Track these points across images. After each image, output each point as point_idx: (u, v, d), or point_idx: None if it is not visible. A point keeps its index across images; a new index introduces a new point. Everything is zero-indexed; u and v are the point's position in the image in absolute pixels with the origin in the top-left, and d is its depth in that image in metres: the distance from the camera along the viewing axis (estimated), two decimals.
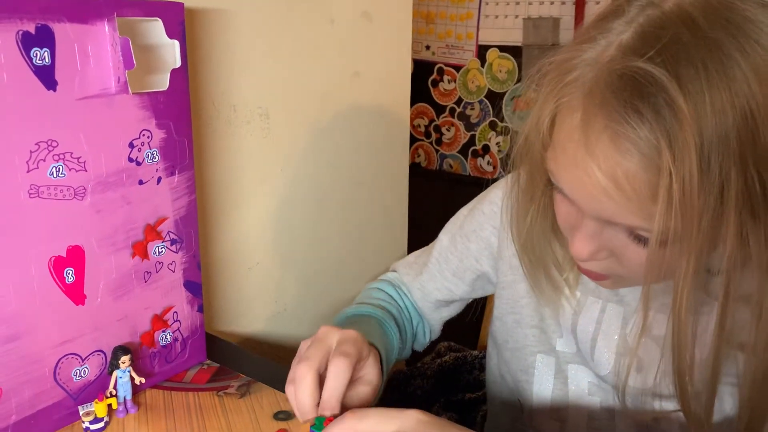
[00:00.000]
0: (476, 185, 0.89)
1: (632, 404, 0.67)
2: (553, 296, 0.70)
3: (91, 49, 0.62)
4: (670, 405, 0.64)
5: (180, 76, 0.69)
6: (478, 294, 0.85)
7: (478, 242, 0.80)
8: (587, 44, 0.51)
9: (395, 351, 0.80)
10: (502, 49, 2.20)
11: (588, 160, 0.50)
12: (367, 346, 0.65)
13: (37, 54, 0.58)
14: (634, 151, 0.47)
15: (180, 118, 0.71)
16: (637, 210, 0.50)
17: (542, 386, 0.75)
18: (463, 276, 0.82)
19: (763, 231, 0.50)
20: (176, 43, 0.68)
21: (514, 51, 2.17)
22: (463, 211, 0.84)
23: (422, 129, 2.46)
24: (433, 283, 0.85)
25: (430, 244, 0.88)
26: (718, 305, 0.52)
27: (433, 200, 1.92)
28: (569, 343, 0.72)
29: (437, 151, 2.45)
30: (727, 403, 0.62)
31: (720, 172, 0.46)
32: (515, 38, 2.16)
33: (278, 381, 0.76)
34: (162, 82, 0.68)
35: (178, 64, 0.68)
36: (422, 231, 1.38)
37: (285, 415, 0.70)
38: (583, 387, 0.72)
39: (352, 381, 0.62)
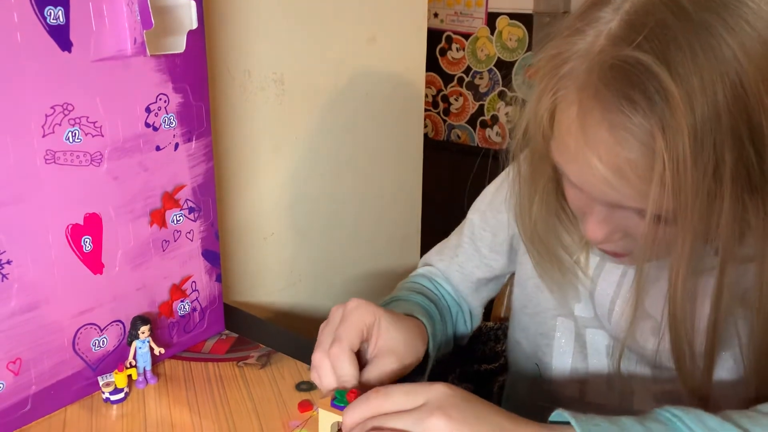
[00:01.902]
0: (484, 156, 0.87)
1: (650, 366, 0.68)
2: (563, 282, 0.71)
3: (106, 9, 0.59)
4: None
5: (197, 38, 0.67)
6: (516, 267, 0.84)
7: (509, 212, 0.79)
8: (577, 36, 0.52)
9: (439, 326, 0.77)
10: (512, 16, 2.16)
11: (588, 152, 0.51)
12: (372, 312, 0.63)
13: (51, 13, 0.56)
14: (631, 140, 0.48)
15: (197, 82, 0.68)
16: (641, 195, 0.50)
17: (562, 349, 0.75)
18: (500, 249, 0.81)
19: (761, 203, 0.51)
20: (192, 3, 0.65)
21: (525, 19, 2.13)
22: (490, 188, 0.84)
23: (430, 99, 2.43)
24: (471, 262, 0.83)
25: (457, 228, 0.86)
26: (716, 275, 0.54)
27: (441, 171, 1.90)
28: (587, 307, 0.72)
29: (445, 121, 2.42)
30: (727, 372, 0.63)
31: (714, 152, 0.47)
32: (526, 5, 2.11)
33: (299, 351, 0.75)
34: (179, 44, 0.65)
35: (195, 25, 0.66)
36: (430, 202, 1.37)
37: (307, 386, 0.69)
38: (601, 350, 0.72)
39: (373, 355, 0.63)
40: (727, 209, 0.49)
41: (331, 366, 0.60)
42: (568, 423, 0.50)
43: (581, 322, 0.73)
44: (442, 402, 0.51)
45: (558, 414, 0.52)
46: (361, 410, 0.53)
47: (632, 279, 0.67)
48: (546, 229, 0.67)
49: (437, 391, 0.52)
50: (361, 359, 0.64)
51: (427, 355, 0.71)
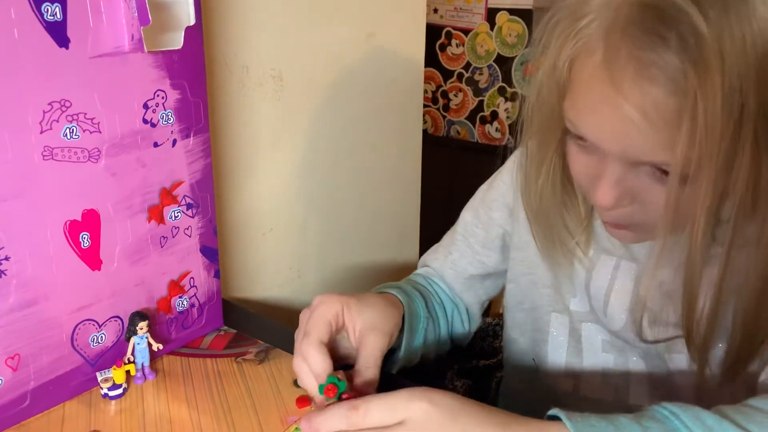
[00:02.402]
0: (484, 152, 0.87)
1: (645, 360, 0.68)
2: (564, 261, 0.70)
3: (104, 5, 0.59)
4: (683, 359, 0.65)
5: (194, 34, 0.67)
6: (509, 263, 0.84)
7: (501, 210, 0.79)
8: None
9: (421, 317, 0.77)
10: (512, 12, 2.16)
11: (614, 95, 0.49)
12: (337, 301, 0.64)
13: (48, 9, 0.56)
14: (661, 77, 0.47)
15: (194, 78, 0.68)
16: (664, 142, 0.50)
17: (557, 344, 0.75)
18: (492, 245, 0.81)
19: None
20: None
21: (525, 14, 2.13)
22: (483, 187, 0.83)
23: (429, 95, 2.43)
24: (464, 259, 0.83)
25: (452, 228, 0.86)
26: (722, 252, 0.54)
27: (440, 167, 1.89)
28: (582, 302, 0.72)
29: (444, 117, 2.42)
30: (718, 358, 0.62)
31: (740, 97, 0.47)
32: (525, 1, 2.11)
33: None
34: (176, 41, 0.65)
35: (192, 21, 0.66)
36: (429, 197, 1.37)
37: None
38: (596, 345, 0.72)
39: (357, 338, 0.64)
40: (747, 163, 0.49)
41: (307, 366, 0.60)
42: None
43: (576, 317, 0.73)
44: (422, 422, 0.49)
45: (555, 411, 0.51)
46: (337, 424, 0.51)
47: (626, 271, 0.68)
48: (551, 205, 0.66)
49: (418, 408, 0.49)
50: (339, 352, 0.65)
51: (402, 330, 0.71)
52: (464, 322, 0.86)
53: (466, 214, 0.83)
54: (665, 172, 0.52)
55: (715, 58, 0.46)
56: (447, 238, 0.86)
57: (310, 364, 0.59)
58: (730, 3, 0.47)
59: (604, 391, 0.72)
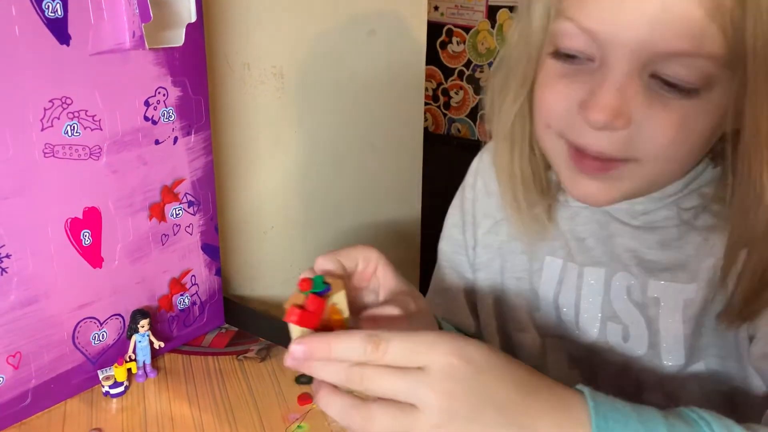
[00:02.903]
0: None
1: (615, 374, 0.63)
2: (535, 227, 0.64)
3: (105, 2, 0.59)
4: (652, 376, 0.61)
5: (195, 31, 0.67)
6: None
7: (464, 233, 0.74)
8: None
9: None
10: (513, 9, 2.15)
11: None
12: (375, 253, 0.55)
13: (49, 6, 0.55)
14: None
15: (196, 75, 0.68)
16: (691, 24, 0.45)
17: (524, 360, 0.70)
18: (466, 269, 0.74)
19: None
20: None
21: None
22: (447, 220, 0.77)
23: (430, 92, 2.42)
24: (459, 289, 0.75)
25: (435, 271, 0.78)
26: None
27: (441, 165, 1.89)
28: (547, 315, 0.66)
29: (445, 115, 2.42)
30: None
31: None
32: None
33: None
34: (177, 38, 0.65)
35: (193, 18, 0.66)
36: (430, 195, 1.36)
37: (307, 379, 0.69)
38: (562, 362, 0.67)
39: (387, 296, 0.55)
40: None
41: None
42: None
43: (539, 331, 0.67)
44: (443, 373, 0.41)
45: (580, 386, 0.45)
46: (351, 350, 0.43)
47: (590, 279, 0.63)
48: (520, 164, 0.60)
49: (442, 358, 0.42)
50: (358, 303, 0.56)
51: None
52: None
53: (442, 245, 0.76)
54: (674, 86, 0.47)
55: None
56: (436, 282, 0.77)
57: (315, 264, 0.53)
58: None
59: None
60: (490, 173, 0.70)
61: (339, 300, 0.50)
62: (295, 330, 0.48)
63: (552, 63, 0.52)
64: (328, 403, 0.43)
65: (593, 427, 0.42)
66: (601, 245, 0.62)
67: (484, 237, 0.71)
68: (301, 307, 0.48)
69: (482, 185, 0.71)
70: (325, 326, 0.49)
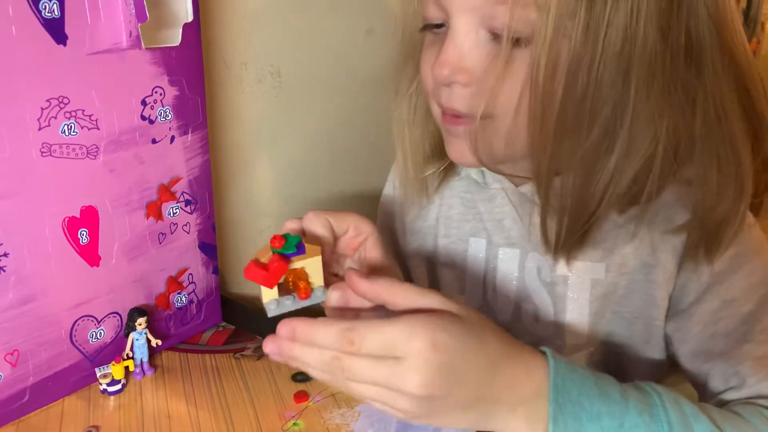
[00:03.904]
0: None
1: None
2: (417, 193, 0.69)
3: (101, 2, 0.59)
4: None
5: (192, 31, 0.67)
6: None
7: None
8: None
9: None
10: None
11: None
12: (370, 224, 0.58)
13: (46, 6, 0.56)
14: None
15: (192, 74, 0.69)
16: None
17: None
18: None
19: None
20: None
21: None
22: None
23: None
24: None
25: None
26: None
27: None
28: (472, 295, 0.68)
29: None
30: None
31: None
32: None
33: None
34: (174, 37, 0.66)
35: (190, 18, 0.66)
36: None
37: (303, 377, 0.69)
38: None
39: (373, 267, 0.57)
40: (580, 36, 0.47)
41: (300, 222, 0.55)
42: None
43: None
44: (420, 365, 0.43)
45: (543, 348, 0.49)
46: (325, 341, 0.44)
47: (506, 259, 0.64)
48: (415, 135, 0.68)
49: (417, 349, 0.43)
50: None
51: None
52: None
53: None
54: (498, 36, 0.50)
55: None
56: None
57: (306, 223, 0.55)
58: None
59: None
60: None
61: (312, 266, 0.50)
62: (263, 291, 0.50)
63: (424, 37, 0.58)
64: (307, 369, 0.46)
65: (551, 387, 0.46)
66: (516, 226, 0.64)
67: (411, 223, 0.74)
68: (262, 263, 0.48)
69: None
70: (285, 289, 0.50)
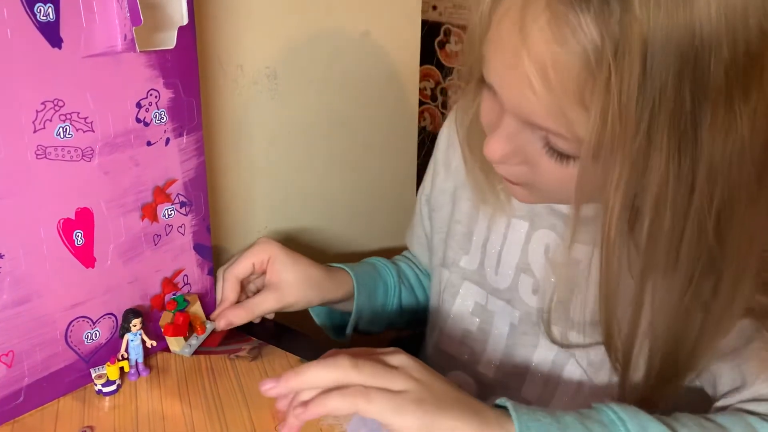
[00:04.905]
0: None
1: (511, 333, 0.71)
2: (495, 202, 0.70)
3: (96, 5, 0.60)
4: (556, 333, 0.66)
5: (187, 33, 0.67)
6: None
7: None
8: None
9: (390, 286, 0.85)
10: None
11: (519, 42, 0.46)
12: (267, 251, 0.75)
13: (41, 10, 0.56)
14: (571, 40, 0.44)
15: (188, 77, 0.69)
16: (558, 110, 0.47)
17: (433, 296, 0.80)
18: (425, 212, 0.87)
19: (681, 165, 0.46)
20: None
21: None
22: None
23: (428, 92, 2.43)
24: (420, 228, 0.88)
25: None
26: (642, 236, 0.49)
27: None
28: (473, 259, 0.74)
29: (443, 114, 2.42)
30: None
31: (659, 85, 0.43)
32: None
33: (290, 344, 0.76)
34: (169, 40, 0.66)
35: (185, 21, 0.66)
36: None
37: None
38: (467, 305, 0.75)
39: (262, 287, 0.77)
40: (662, 160, 0.45)
41: (221, 286, 0.75)
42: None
43: (460, 274, 0.75)
44: (415, 369, 0.53)
45: (503, 401, 0.52)
46: (337, 374, 0.52)
47: (515, 230, 0.69)
48: (479, 143, 0.64)
49: (407, 360, 0.54)
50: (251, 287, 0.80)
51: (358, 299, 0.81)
52: None
53: (420, 188, 0.88)
54: (554, 148, 0.50)
55: (639, 35, 0.42)
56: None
57: (222, 289, 0.75)
58: None
59: (460, 350, 0.76)
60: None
61: (196, 310, 0.73)
62: (172, 342, 0.71)
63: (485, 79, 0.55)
64: (325, 402, 0.51)
65: None
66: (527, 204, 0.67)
67: (441, 183, 0.80)
68: (171, 323, 0.70)
69: (447, 135, 0.81)
70: (191, 331, 0.73)
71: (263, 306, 0.75)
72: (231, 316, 0.74)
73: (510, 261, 0.70)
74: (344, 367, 0.51)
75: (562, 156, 0.50)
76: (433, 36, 2.35)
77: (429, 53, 2.35)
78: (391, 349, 0.56)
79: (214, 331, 0.75)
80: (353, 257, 1.15)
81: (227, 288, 0.75)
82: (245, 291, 0.78)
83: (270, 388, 0.53)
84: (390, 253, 0.99)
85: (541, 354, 0.68)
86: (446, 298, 0.77)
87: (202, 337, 0.74)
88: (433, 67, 2.39)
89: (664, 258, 0.49)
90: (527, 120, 0.50)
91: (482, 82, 0.55)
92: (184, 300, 0.72)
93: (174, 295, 0.73)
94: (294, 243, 1.06)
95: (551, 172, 0.52)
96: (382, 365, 0.52)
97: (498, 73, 0.50)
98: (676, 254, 0.49)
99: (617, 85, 0.43)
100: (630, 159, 0.45)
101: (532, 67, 0.46)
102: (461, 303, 0.76)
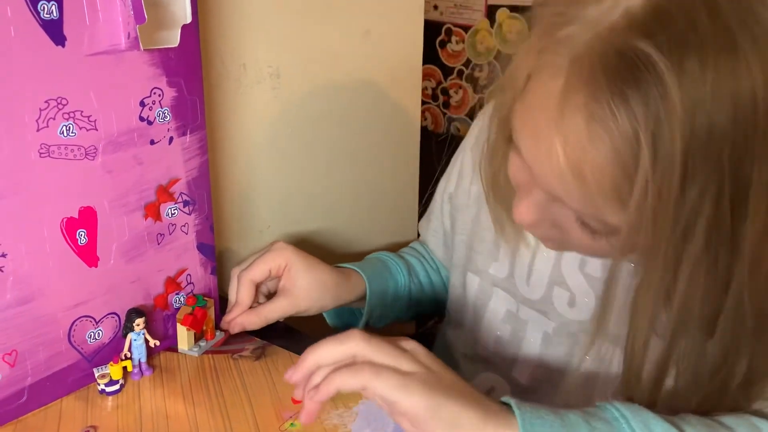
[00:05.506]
0: None
1: (544, 339, 0.70)
2: (515, 236, 0.70)
3: (100, 3, 0.60)
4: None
5: (190, 32, 0.67)
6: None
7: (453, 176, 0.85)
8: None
9: (401, 285, 0.85)
10: (513, 9, 2.15)
11: (554, 135, 0.45)
12: (285, 257, 0.74)
13: (44, 8, 0.56)
14: (607, 142, 0.43)
15: (191, 76, 0.69)
16: (591, 202, 0.47)
17: (464, 303, 0.78)
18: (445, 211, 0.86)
19: (718, 262, 0.45)
20: None
21: (525, 11, 2.13)
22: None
23: (429, 92, 2.43)
24: (438, 222, 0.87)
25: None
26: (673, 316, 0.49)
27: (440, 164, 1.89)
28: (502, 267, 0.73)
29: (444, 114, 2.42)
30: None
31: (699, 187, 0.42)
32: None
33: (293, 344, 0.75)
34: (173, 38, 0.66)
35: (188, 19, 0.66)
36: (428, 194, 1.37)
37: None
38: (499, 313, 0.74)
39: (278, 291, 0.76)
40: (697, 251, 0.44)
41: (235, 289, 0.75)
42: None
43: (490, 281, 0.74)
44: (424, 355, 0.54)
45: (507, 399, 0.51)
46: (342, 344, 0.54)
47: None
48: (503, 185, 0.63)
49: (416, 346, 0.55)
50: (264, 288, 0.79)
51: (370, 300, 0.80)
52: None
53: (441, 181, 0.87)
54: (588, 223, 0.50)
55: (680, 138, 0.40)
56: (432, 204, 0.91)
57: (237, 293, 0.74)
58: (722, 72, 0.40)
59: (495, 356, 0.75)
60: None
61: (210, 315, 0.75)
62: (183, 338, 0.73)
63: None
64: (334, 379, 0.52)
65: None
66: None
67: (467, 185, 0.79)
68: (190, 314, 0.71)
69: (477, 135, 0.80)
70: (203, 329, 0.75)
71: (277, 312, 0.75)
72: (245, 323, 0.74)
73: (542, 273, 0.69)
74: (356, 340, 0.53)
75: (595, 231, 0.50)
76: (434, 35, 2.35)
77: (430, 53, 2.35)
78: (403, 337, 0.56)
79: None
80: (355, 256, 1.15)
81: (242, 292, 0.74)
82: (258, 293, 0.77)
83: (291, 374, 0.55)
84: (391, 251, 0.99)
85: (577, 362, 0.66)
86: (477, 305, 0.76)
87: (212, 342, 0.75)
88: (434, 67, 2.38)
89: (697, 325, 0.49)
90: (559, 200, 0.50)
91: (512, 141, 0.53)
92: (203, 299, 0.73)
93: (190, 293, 0.75)
94: (296, 242, 1.05)
95: (583, 240, 0.52)
96: (393, 345, 0.53)
97: (530, 155, 0.49)
98: (709, 324, 0.49)
99: (656, 188, 0.42)
100: (665, 252, 0.45)
101: (567, 164, 0.45)
102: (493, 309, 0.74)
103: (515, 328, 0.72)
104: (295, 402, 0.65)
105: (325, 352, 0.54)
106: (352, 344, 0.53)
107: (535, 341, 0.71)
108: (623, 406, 0.50)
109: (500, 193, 0.64)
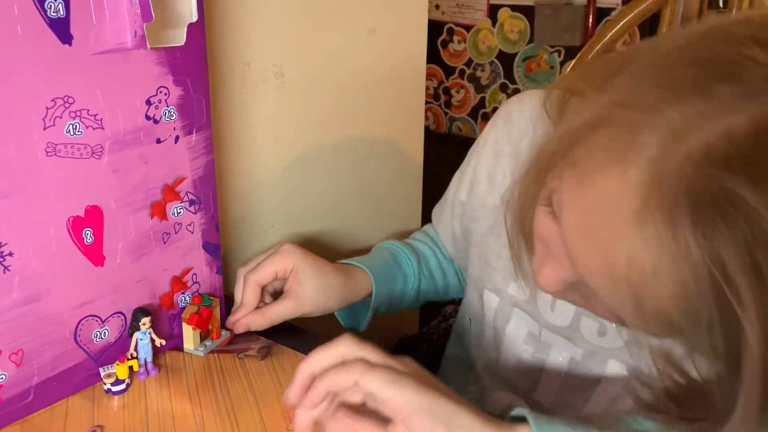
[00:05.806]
0: None
1: (570, 361, 0.68)
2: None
3: (107, 2, 0.59)
4: (615, 366, 0.64)
5: (197, 31, 0.67)
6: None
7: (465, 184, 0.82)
8: (675, 99, 0.38)
9: (409, 278, 0.84)
10: (514, 8, 2.16)
11: (610, 240, 0.40)
12: (291, 260, 0.74)
13: (51, 6, 0.56)
14: (671, 268, 0.38)
15: (197, 74, 0.69)
16: (638, 318, 0.43)
17: (482, 323, 0.76)
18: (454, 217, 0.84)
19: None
20: None
21: (526, 10, 2.13)
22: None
23: (431, 91, 2.42)
24: (449, 220, 0.86)
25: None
26: None
27: (442, 164, 1.89)
28: (522, 288, 0.70)
29: (446, 113, 2.42)
30: None
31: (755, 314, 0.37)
32: None
33: (299, 343, 0.75)
34: (179, 37, 0.65)
35: (195, 18, 0.66)
36: (431, 194, 1.37)
37: None
38: (520, 334, 0.71)
39: (284, 292, 0.76)
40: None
41: (241, 289, 0.75)
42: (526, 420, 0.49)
43: (510, 301, 0.72)
44: (413, 362, 0.53)
45: (520, 411, 0.50)
46: (335, 349, 0.53)
47: None
48: (525, 216, 0.58)
49: (407, 358, 0.54)
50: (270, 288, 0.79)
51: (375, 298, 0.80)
52: (461, 280, 0.90)
53: (453, 181, 0.86)
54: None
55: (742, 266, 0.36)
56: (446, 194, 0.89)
57: (242, 294, 0.75)
58: None
59: (516, 377, 0.73)
60: (508, 131, 0.73)
61: (216, 314, 0.75)
62: (189, 337, 0.73)
63: (549, 199, 0.49)
64: (326, 377, 0.51)
65: None
66: None
67: (483, 196, 0.76)
68: (196, 313, 0.71)
69: (494, 142, 0.76)
70: (209, 329, 0.74)
71: (282, 314, 0.75)
72: (250, 323, 0.74)
73: (568, 304, 0.63)
74: (348, 344, 0.52)
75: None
76: (435, 35, 2.35)
77: (432, 52, 2.35)
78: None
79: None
80: (359, 255, 1.15)
81: (248, 294, 0.74)
82: (263, 293, 0.77)
83: (287, 392, 0.54)
84: None
85: (605, 385, 0.65)
86: (498, 324, 0.74)
87: (217, 341, 0.75)
88: (436, 67, 2.38)
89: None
90: (596, 294, 0.46)
91: (545, 190, 0.49)
92: (209, 299, 0.73)
93: (195, 292, 0.75)
94: (300, 242, 1.05)
95: (607, 309, 0.49)
96: (384, 352, 0.53)
97: (574, 236, 0.44)
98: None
99: (717, 315, 0.38)
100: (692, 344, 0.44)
101: (628, 287, 0.41)
102: (514, 329, 0.72)
103: (537, 350, 0.70)
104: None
105: (316, 361, 0.53)
106: (342, 348, 0.52)
107: (560, 365, 0.68)
108: (644, 419, 0.49)
109: (527, 237, 0.57)
